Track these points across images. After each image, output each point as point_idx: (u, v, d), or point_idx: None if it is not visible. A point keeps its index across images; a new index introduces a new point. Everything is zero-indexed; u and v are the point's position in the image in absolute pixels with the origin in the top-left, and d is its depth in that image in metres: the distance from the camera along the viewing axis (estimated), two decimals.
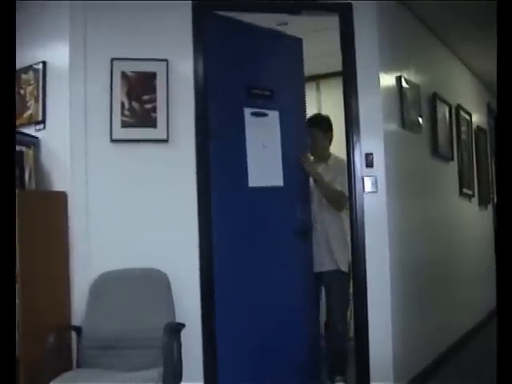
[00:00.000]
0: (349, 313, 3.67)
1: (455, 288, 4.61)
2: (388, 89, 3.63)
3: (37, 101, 3.12)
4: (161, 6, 3.10)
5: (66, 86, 3.00)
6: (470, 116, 5.58)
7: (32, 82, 3.15)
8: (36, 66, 3.13)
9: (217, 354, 3.06)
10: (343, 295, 3.58)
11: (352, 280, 3.41)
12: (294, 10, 3.49)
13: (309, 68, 3.86)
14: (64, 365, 2.70)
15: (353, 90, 3.35)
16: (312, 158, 3.80)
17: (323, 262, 3.61)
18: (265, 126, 3.50)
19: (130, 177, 3.05)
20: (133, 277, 2.93)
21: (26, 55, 3.12)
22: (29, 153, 2.95)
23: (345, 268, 3.57)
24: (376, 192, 3.33)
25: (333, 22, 3.40)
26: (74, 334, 2.83)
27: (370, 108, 3.36)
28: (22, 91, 3.18)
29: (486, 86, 6.33)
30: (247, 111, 3.42)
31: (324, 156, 3.78)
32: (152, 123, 3.04)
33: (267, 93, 3.52)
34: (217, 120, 3.20)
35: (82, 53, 3.01)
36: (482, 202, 5.89)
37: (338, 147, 3.71)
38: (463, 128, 5.26)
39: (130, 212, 3.03)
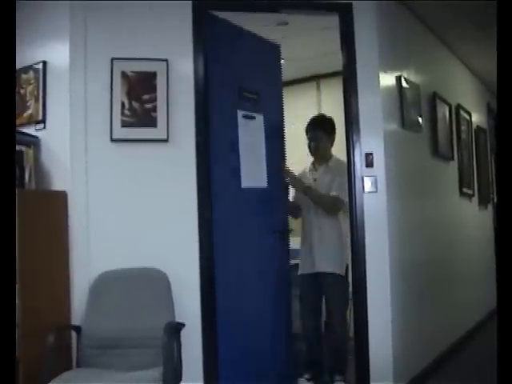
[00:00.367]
0: (348, 313, 3.67)
1: (455, 288, 4.60)
2: (388, 88, 3.63)
3: (37, 100, 3.12)
4: (161, 5, 3.10)
5: (66, 86, 3.00)
6: (470, 116, 5.58)
7: (32, 81, 3.15)
8: (36, 66, 3.13)
9: (217, 354, 3.06)
10: (342, 297, 3.58)
11: (352, 280, 3.40)
12: (294, 10, 3.49)
13: (309, 68, 3.87)
14: (64, 364, 2.70)
15: (353, 90, 3.35)
16: (313, 159, 3.81)
17: (318, 264, 3.60)
18: (252, 128, 3.50)
19: (130, 176, 3.05)
20: (133, 276, 2.92)
21: (26, 55, 3.12)
22: (29, 152, 2.95)
23: (341, 271, 3.56)
24: (376, 192, 3.33)
25: (333, 21, 3.41)
26: (73, 334, 2.83)
27: (369, 108, 3.36)
28: (22, 91, 3.18)
29: (486, 86, 6.33)
30: (240, 113, 3.43)
31: (325, 157, 3.77)
32: (152, 123, 3.04)
33: (255, 96, 3.52)
34: (216, 120, 3.20)
35: (82, 52, 3.00)
36: (482, 202, 5.88)
37: (337, 147, 3.72)
38: (463, 128, 5.25)
39: (129, 212, 3.03)
